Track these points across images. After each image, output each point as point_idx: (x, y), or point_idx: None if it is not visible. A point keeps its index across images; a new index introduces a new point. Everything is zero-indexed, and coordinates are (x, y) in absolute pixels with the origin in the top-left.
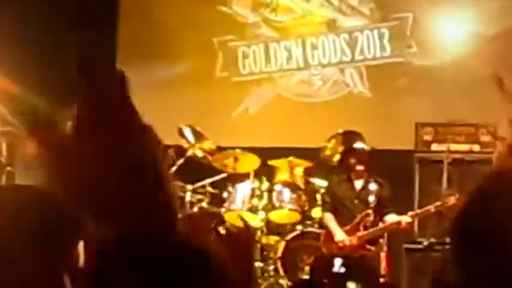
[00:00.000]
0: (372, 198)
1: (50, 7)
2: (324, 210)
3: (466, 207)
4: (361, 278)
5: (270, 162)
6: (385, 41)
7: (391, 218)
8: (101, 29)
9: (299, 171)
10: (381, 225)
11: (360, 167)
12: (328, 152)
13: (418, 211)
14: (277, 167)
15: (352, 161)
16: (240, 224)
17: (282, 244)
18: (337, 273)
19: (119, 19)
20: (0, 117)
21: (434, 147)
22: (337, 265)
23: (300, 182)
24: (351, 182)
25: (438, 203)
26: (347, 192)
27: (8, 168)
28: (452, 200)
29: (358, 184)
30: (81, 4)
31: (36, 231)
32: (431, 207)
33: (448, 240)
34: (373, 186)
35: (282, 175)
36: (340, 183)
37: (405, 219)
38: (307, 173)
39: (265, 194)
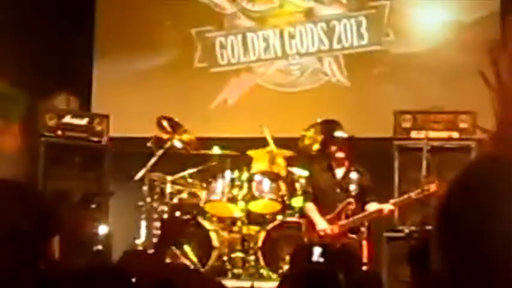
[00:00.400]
0: (353, 187)
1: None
2: (305, 199)
3: (448, 193)
4: (342, 266)
5: (249, 153)
6: (363, 29)
7: (372, 207)
8: (79, 19)
9: (279, 160)
10: (362, 214)
11: (340, 154)
12: (307, 141)
13: (399, 199)
14: (257, 157)
15: (333, 148)
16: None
17: (263, 234)
18: (317, 263)
19: (96, 10)
20: None
21: (414, 134)
22: (317, 254)
23: (280, 172)
24: (331, 170)
25: (418, 190)
26: (328, 181)
27: None
28: (432, 187)
29: (339, 173)
30: None
31: (15, 224)
32: (411, 195)
33: (428, 227)
34: (354, 175)
35: (261, 165)
36: (321, 172)
37: (387, 207)
38: (287, 162)
39: (245, 184)
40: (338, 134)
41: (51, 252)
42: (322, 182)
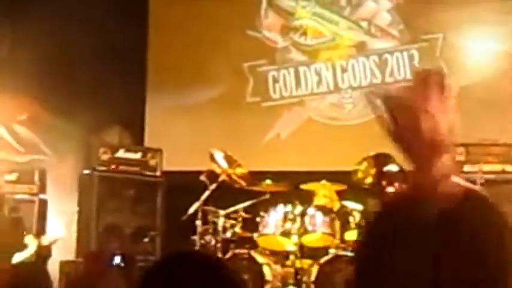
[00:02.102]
0: None
1: (79, 35)
2: (359, 233)
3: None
4: None
5: (302, 186)
6: (415, 62)
7: None
8: (131, 53)
9: (332, 194)
10: None
11: (390, 189)
12: (360, 175)
13: None
14: (310, 191)
15: (384, 183)
16: None
17: (316, 268)
18: None
19: (148, 43)
20: (33, 146)
21: (467, 168)
22: None
23: (333, 205)
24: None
25: None
26: None
27: (40, 196)
28: None
29: None
30: (110, 30)
31: None
32: None
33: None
34: None
35: (315, 199)
36: (374, 206)
37: None
38: (340, 196)
39: (298, 218)
40: (388, 168)
41: None
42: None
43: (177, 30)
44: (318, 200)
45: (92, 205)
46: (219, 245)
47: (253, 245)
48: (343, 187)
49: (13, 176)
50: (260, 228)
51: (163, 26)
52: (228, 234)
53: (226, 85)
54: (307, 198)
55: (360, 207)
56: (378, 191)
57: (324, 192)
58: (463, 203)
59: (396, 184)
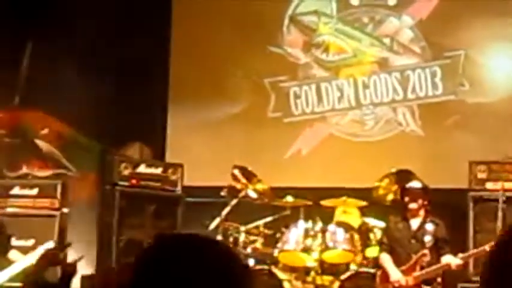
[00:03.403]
0: (428, 238)
1: (101, 51)
2: (381, 250)
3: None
4: None
5: (323, 203)
6: (437, 79)
7: (446, 259)
8: (152, 69)
9: (353, 210)
10: (435, 266)
11: (413, 205)
12: (381, 192)
13: (470, 252)
14: (331, 207)
15: (406, 199)
16: None
17: (337, 284)
18: None
19: (170, 59)
20: (55, 160)
21: (489, 185)
22: None
23: (354, 222)
24: (407, 221)
25: (493, 243)
26: (403, 232)
27: (63, 210)
28: None
29: (415, 224)
30: (132, 47)
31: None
32: (485, 248)
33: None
34: (429, 226)
35: (336, 215)
36: (396, 223)
37: (456, 261)
38: (361, 212)
39: (319, 234)
40: (411, 184)
41: None
42: (397, 232)
43: (199, 46)
44: (338, 217)
45: (112, 220)
46: None
47: (274, 261)
48: (364, 203)
49: (34, 191)
50: (281, 244)
51: (186, 42)
52: (249, 250)
53: (247, 101)
54: (327, 215)
55: (381, 224)
56: (400, 208)
57: (344, 209)
58: None
59: (419, 201)
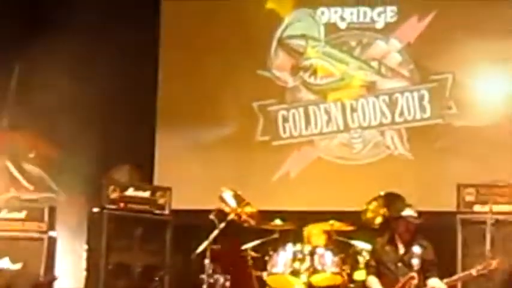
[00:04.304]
0: (415, 261)
1: (90, 74)
2: (369, 273)
3: None
4: None
5: (311, 226)
6: (425, 102)
7: (432, 283)
8: (141, 93)
9: (339, 234)
10: None
11: (407, 235)
12: (370, 215)
13: (456, 277)
14: (318, 231)
15: (401, 228)
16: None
17: None
18: None
19: (158, 82)
20: (42, 183)
21: (477, 208)
22: None
23: (341, 245)
24: (394, 245)
25: (479, 267)
26: (391, 255)
27: (50, 233)
28: (494, 263)
29: (402, 247)
30: (121, 69)
31: None
32: (472, 271)
33: None
34: (417, 249)
35: (321, 239)
36: (383, 245)
37: (441, 286)
38: (349, 235)
39: (307, 257)
40: (407, 213)
41: None
42: (385, 256)
43: (188, 68)
44: (321, 240)
45: (101, 243)
46: (227, 283)
47: (263, 284)
48: (352, 227)
49: (22, 214)
50: (269, 267)
51: (174, 66)
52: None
53: (236, 124)
54: (314, 239)
55: (368, 247)
56: (388, 230)
57: (316, 232)
58: None
59: (413, 229)
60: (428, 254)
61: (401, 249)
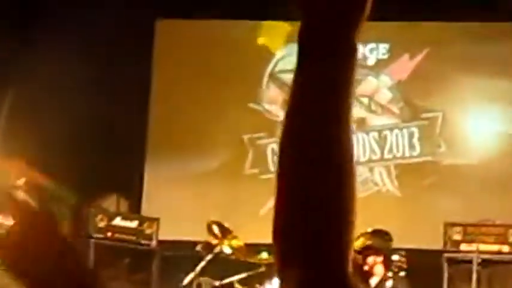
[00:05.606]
0: None
1: (79, 103)
2: None
3: None
4: None
5: None
6: (415, 140)
7: None
8: (131, 123)
9: None
10: None
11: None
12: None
13: None
14: None
15: (370, 260)
16: None
17: None
18: None
19: (149, 113)
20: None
21: (464, 247)
22: None
23: None
24: (368, 278)
25: None
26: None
27: None
28: None
29: (374, 281)
30: (111, 100)
31: None
32: None
33: None
34: (388, 284)
35: None
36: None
37: None
38: None
39: None
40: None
41: None
42: None
43: (178, 100)
44: None
45: None
46: None
47: None
48: None
49: None
50: None
51: (165, 96)
52: None
53: (225, 156)
54: None
55: None
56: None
57: None
58: None
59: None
60: (400, 284)
61: (373, 283)
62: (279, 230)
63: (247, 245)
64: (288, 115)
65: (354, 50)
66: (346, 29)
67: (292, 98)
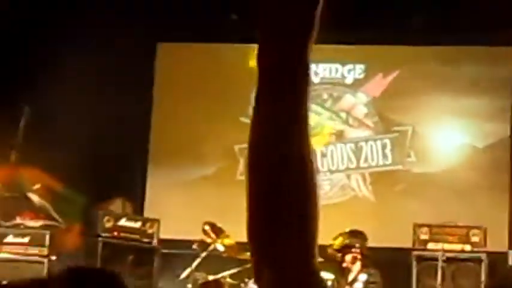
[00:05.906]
0: (359, 286)
1: (88, 113)
2: None
3: None
4: None
5: None
6: (387, 150)
7: None
8: (136, 135)
9: None
10: None
11: (356, 267)
12: (335, 248)
13: None
14: None
15: (348, 258)
16: None
17: None
18: None
19: (152, 126)
20: (45, 212)
21: (430, 246)
22: None
23: None
24: (346, 273)
25: None
26: (341, 282)
27: (51, 257)
28: None
29: (351, 275)
30: (117, 112)
31: None
32: None
33: None
34: (363, 277)
35: None
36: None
37: None
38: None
39: None
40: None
41: None
42: (340, 284)
43: (178, 115)
44: None
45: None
46: None
47: None
48: (319, 259)
49: (26, 239)
50: None
51: (166, 112)
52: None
53: (219, 164)
54: None
55: (332, 277)
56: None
57: None
58: None
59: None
60: (373, 279)
61: (350, 277)
62: (249, 231)
63: (238, 243)
64: (252, 129)
65: (307, 67)
66: (298, 48)
67: (255, 121)
